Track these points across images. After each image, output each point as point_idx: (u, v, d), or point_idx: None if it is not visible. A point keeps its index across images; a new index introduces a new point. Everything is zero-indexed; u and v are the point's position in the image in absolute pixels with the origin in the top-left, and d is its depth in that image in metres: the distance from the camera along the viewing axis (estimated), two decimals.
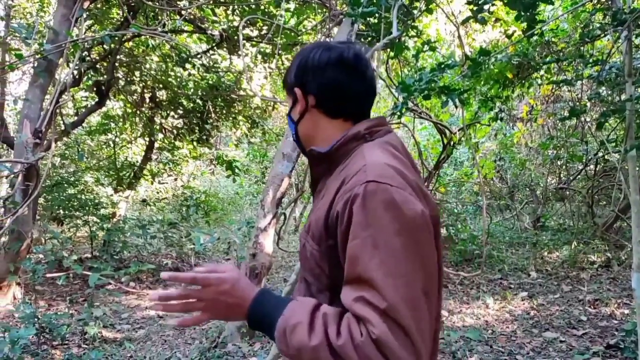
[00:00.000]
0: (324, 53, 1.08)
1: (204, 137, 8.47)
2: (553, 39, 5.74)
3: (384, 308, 0.81)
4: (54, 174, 7.46)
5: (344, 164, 1.02)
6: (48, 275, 5.14)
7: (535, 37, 4.80)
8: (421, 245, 0.87)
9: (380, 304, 0.81)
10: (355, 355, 0.80)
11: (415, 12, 3.92)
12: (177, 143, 8.94)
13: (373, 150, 1.00)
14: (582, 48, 5.15)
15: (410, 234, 0.86)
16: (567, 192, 8.41)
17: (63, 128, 6.48)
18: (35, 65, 4.72)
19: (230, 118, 8.56)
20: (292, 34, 6.17)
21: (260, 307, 0.92)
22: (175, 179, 10.27)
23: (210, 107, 7.84)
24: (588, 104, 6.40)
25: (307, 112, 1.11)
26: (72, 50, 4.66)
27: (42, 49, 4.39)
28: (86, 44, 5.60)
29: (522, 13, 2.93)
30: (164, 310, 0.90)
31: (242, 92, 7.94)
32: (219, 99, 7.95)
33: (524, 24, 3.03)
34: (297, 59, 1.13)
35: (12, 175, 4.54)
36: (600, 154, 7.20)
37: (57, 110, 5.27)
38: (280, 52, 6.72)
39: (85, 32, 5.31)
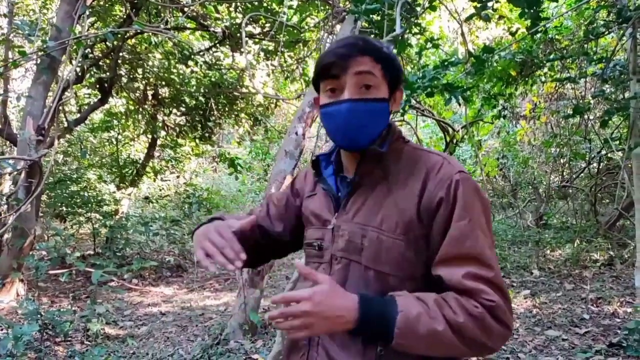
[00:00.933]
0: None
1: (207, 134, 8.48)
2: (557, 37, 5.72)
3: (491, 277, 0.94)
4: (57, 171, 7.47)
5: (403, 161, 1.08)
6: (51, 272, 5.15)
7: (539, 35, 4.79)
8: (491, 225, 1.04)
9: (488, 274, 0.94)
10: (476, 328, 0.91)
11: (418, 9, 3.91)
12: (180, 140, 8.95)
13: (421, 147, 1.13)
14: (586, 45, 5.13)
15: (489, 215, 1.03)
16: (570, 190, 8.40)
17: (66, 125, 6.49)
18: (38, 62, 4.72)
19: (233, 115, 8.56)
20: (295, 31, 6.16)
21: (370, 310, 0.93)
22: (178, 176, 10.29)
23: (213, 104, 7.84)
24: (592, 102, 6.38)
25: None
26: (75, 47, 4.66)
27: (45, 46, 4.39)
28: (89, 41, 5.60)
29: (526, 10, 2.92)
30: (280, 328, 0.91)
31: (244, 90, 7.94)
32: (222, 97, 7.95)
33: (528, 22, 3.02)
34: (393, 53, 1.10)
35: (15, 172, 4.56)
36: (603, 152, 7.18)
37: (60, 108, 5.28)
38: (282, 49, 6.71)
39: (88, 29, 5.32)
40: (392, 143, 1.10)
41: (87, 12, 4.81)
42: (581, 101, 6.56)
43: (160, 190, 9.99)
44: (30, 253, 4.94)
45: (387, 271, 1.01)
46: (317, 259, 1.14)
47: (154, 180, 9.44)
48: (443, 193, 0.98)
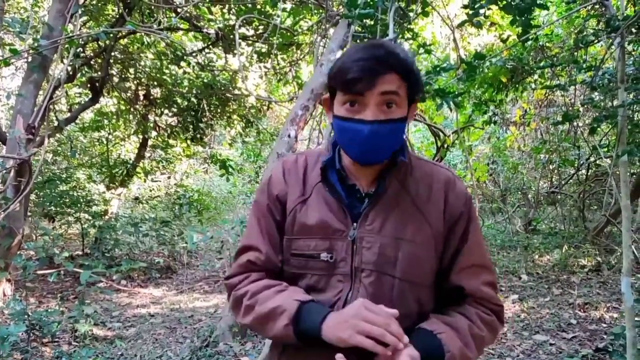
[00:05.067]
0: None
1: (198, 135, 8.45)
2: (547, 44, 5.79)
3: (495, 281, 1.13)
4: (46, 171, 7.41)
5: (416, 173, 1.12)
6: (39, 272, 5.10)
7: (529, 42, 4.84)
8: None
9: (493, 279, 1.12)
10: (490, 334, 1.09)
11: (411, 14, 3.94)
12: (171, 141, 8.91)
13: (431, 161, 1.23)
14: (575, 53, 5.19)
15: None
16: (559, 196, 8.47)
17: (56, 124, 6.44)
18: (29, 60, 4.68)
19: (225, 117, 8.54)
20: (288, 34, 6.17)
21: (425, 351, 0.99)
22: (169, 177, 10.24)
23: (205, 105, 7.82)
24: (581, 109, 6.46)
25: None
26: (66, 46, 4.63)
27: (36, 44, 4.35)
28: (81, 40, 5.57)
29: (517, 18, 2.95)
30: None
31: (237, 91, 7.93)
32: (214, 98, 7.93)
33: (519, 29, 3.06)
34: (416, 64, 1.05)
35: (4, 171, 4.51)
36: (592, 159, 7.26)
37: (51, 106, 5.24)
38: (276, 52, 6.71)
39: (80, 29, 5.29)
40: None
41: (80, 11, 4.78)
42: (570, 108, 6.63)
43: (151, 191, 9.94)
44: (18, 253, 4.88)
45: (420, 282, 1.08)
46: (326, 271, 1.07)
47: (145, 181, 9.39)
48: (462, 207, 1.10)
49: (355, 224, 1.06)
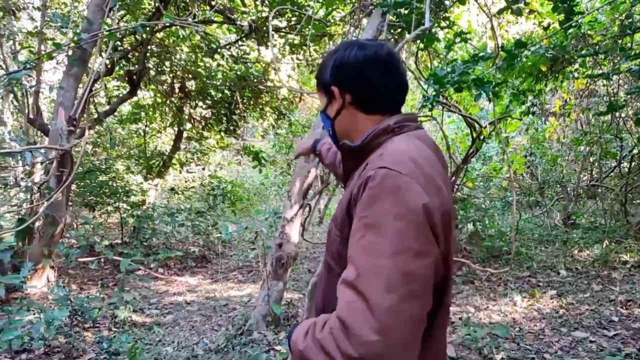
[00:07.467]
0: (359, 51, 1.12)
1: (232, 127, 8.55)
2: (589, 32, 5.57)
3: (352, 279, 0.85)
4: (87, 161, 7.63)
5: (373, 155, 1.08)
6: (80, 259, 5.28)
7: (571, 30, 4.66)
8: (415, 236, 0.87)
9: (350, 276, 0.86)
10: (316, 354, 0.87)
11: (447, 2, 3.85)
12: (205, 133, 9.04)
13: (399, 141, 1.05)
14: (619, 41, 4.98)
15: (408, 222, 0.86)
16: (600, 190, 8.19)
17: (96, 116, 6.62)
18: (70, 54, 4.82)
19: (258, 109, 8.61)
20: (321, 24, 6.14)
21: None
22: (203, 169, 10.41)
23: (238, 97, 7.89)
24: (625, 99, 6.20)
25: (343, 109, 1.14)
26: (105, 40, 4.74)
27: (77, 38, 4.47)
28: (119, 33, 5.68)
29: (560, 4, 2.85)
30: None
31: (269, 83, 7.96)
32: (247, 90, 7.99)
33: (561, 16, 2.95)
34: (331, 58, 1.16)
35: (47, 162, 4.68)
36: (635, 151, 6.99)
37: (90, 99, 5.38)
38: (309, 43, 6.70)
39: (118, 22, 5.40)
40: (372, 138, 1.09)
41: (117, 5, 4.88)
42: (613, 98, 6.38)
43: (186, 181, 10.13)
44: (61, 241, 5.07)
45: (331, 264, 1.09)
46: None
47: (180, 172, 9.57)
48: (356, 191, 0.97)
49: None
